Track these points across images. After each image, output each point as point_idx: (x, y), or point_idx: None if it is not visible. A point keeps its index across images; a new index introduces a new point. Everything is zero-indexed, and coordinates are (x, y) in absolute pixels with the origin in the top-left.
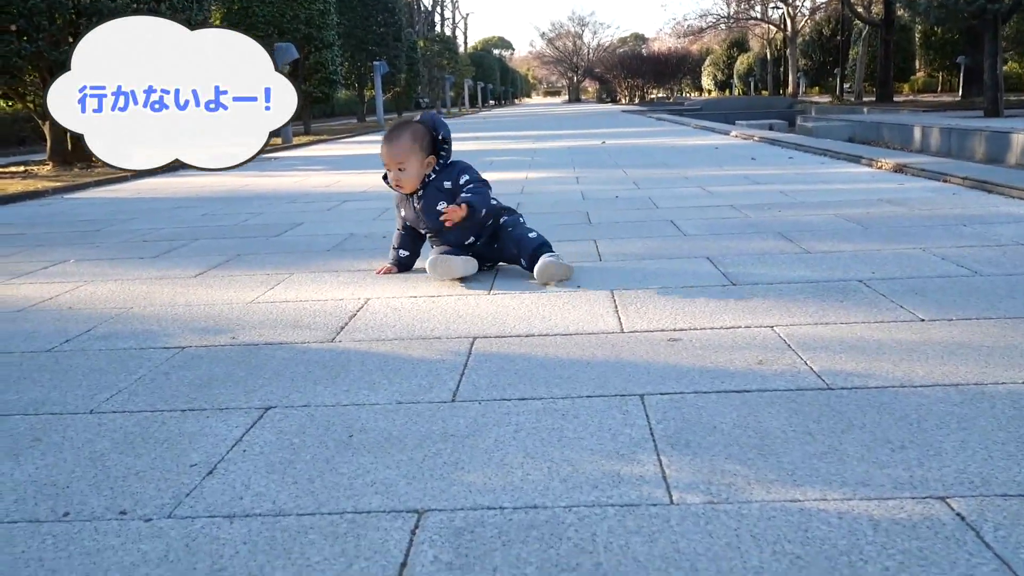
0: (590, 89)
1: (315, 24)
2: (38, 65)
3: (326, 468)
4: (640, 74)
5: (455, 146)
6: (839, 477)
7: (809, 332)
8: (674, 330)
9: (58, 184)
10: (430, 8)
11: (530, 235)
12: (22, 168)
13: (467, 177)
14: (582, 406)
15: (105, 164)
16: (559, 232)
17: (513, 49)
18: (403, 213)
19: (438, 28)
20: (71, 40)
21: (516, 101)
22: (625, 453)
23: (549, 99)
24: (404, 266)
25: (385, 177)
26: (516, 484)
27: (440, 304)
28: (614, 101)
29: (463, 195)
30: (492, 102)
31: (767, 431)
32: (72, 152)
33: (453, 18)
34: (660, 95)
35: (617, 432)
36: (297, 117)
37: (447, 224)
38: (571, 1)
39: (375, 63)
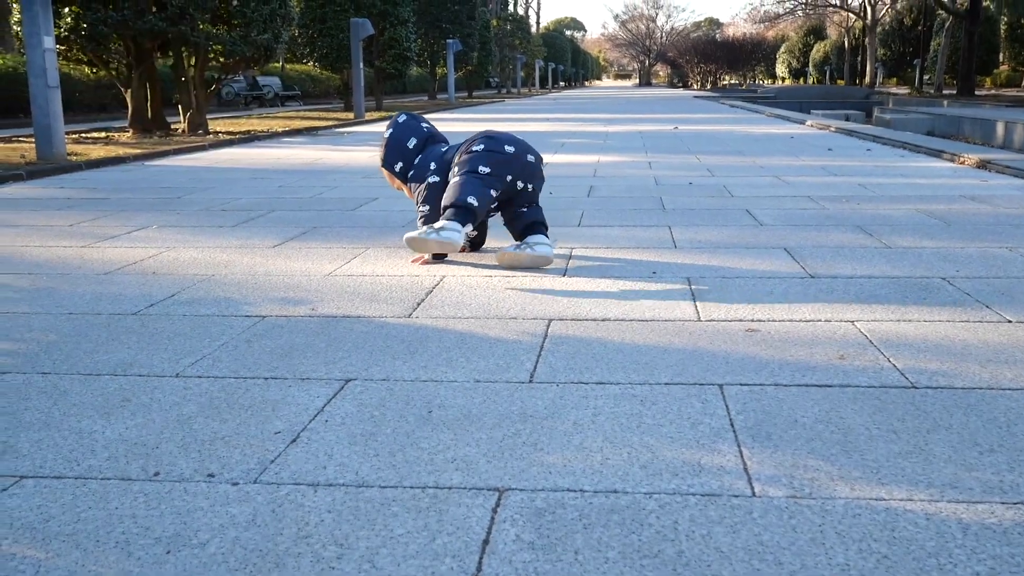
0: (661, 73)
1: (391, 1)
2: (123, 34)
3: (407, 442)
4: (713, 59)
5: (527, 127)
6: (926, 478)
7: (892, 329)
8: (752, 321)
9: (139, 151)
10: None
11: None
12: (104, 134)
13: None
14: (660, 393)
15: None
16: (633, 217)
17: (585, 30)
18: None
19: (511, 7)
20: (155, 10)
21: (586, 83)
22: (705, 443)
23: (620, 82)
24: (473, 245)
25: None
26: (596, 468)
27: (515, 284)
28: (686, 86)
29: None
30: (562, 83)
31: (850, 427)
32: (152, 120)
33: None
34: (733, 81)
35: (697, 421)
36: (369, 92)
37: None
38: None
39: (448, 41)
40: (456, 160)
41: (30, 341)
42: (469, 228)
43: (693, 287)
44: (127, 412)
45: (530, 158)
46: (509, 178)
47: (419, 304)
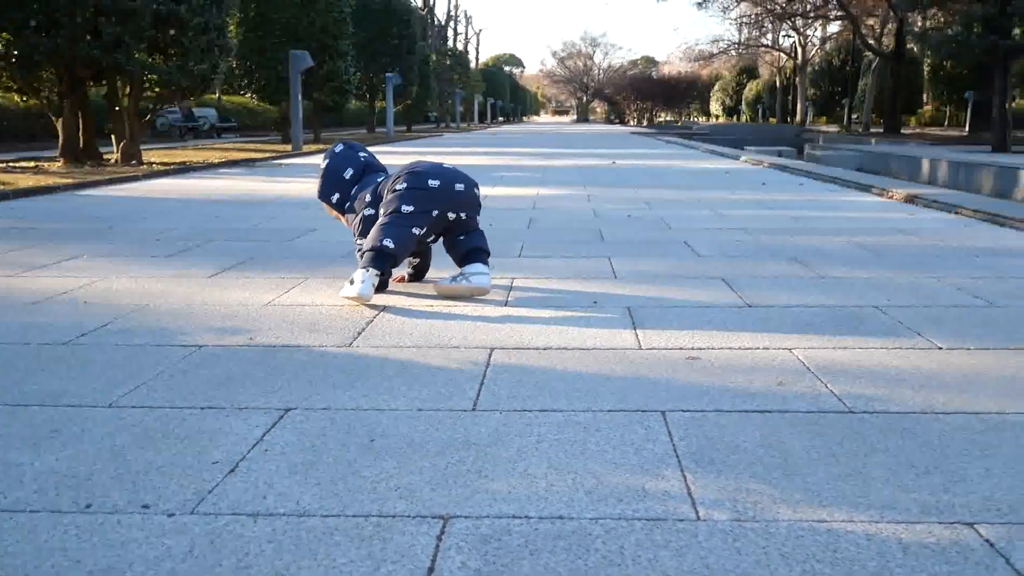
0: (599, 110)
1: (330, 33)
2: (56, 62)
3: (348, 471)
4: (650, 97)
5: (466, 160)
6: (865, 499)
7: (828, 356)
8: (692, 349)
9: (69, 181)
10: (443, 23)
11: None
12: (33, 164)
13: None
14: (603, 420)
15: (115, 163)
16: (573, 248)
17: (523, 67)
18: None
19: (451, 43)
20: (89, 38)
21: (524, 119)
22: (649, 468)
23: (557, 118)
24: (416, 273)
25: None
26: (541, 494)
27: (457, 312)
28: (623, 122)
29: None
30: (501, 119)
31: (790, 452)
32: (84, 150)
33: (466, 33)
34: (669, 118)
35: (640, 447)
36: (308, 125)
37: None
38: (583, 21)
39: (388, 75)
40: (384, 198)
41: None
42: (382, 275)
43: (633, 316)
44: (57, 443)
45: (458, 187)
46: (436, 212)
47: (360, 333)
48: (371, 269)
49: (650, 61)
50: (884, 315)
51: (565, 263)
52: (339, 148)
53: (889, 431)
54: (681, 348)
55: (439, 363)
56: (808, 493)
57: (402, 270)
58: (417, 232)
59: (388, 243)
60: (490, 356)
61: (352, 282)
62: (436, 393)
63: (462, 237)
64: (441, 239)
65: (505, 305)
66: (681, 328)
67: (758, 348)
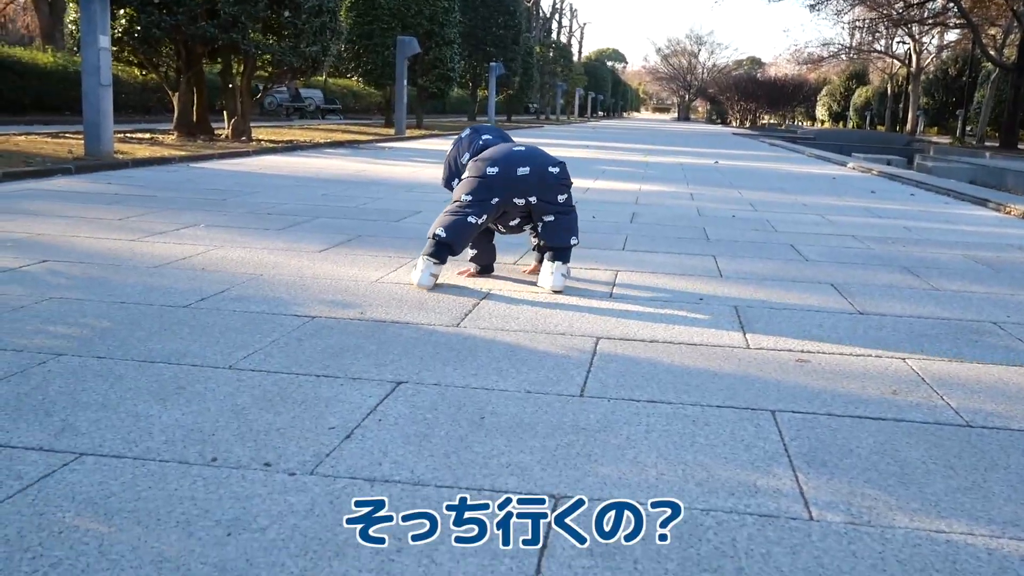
0: (700, 109)
1: (438, 21)
2: (175, 38)
3: (460, 445)
4: (754, 98)
5: (567, 152)
6: (985, 514)
7: (944, 368)
8: (802, 351)
9: (183, 153)
10: (549, 15)
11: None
12: (148, 135)
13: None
14: (712, 415)
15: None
16: (677, 245)
17: (626, 62)
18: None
19: (555, 35)
20: (207, 17)
21: (625, 114)
22: (760, 465)
23: (658, 115)
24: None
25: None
26: (651, 482)
27: (561, 302)
28: (724, 123)
29: None
30: (601, 113)
31: (906, 461)
32: (197, 124)
33: (570, 27)
34: (772, 121)
35: (750, 444)
36: (410, 110)
37: None
38: (690, 19)
39: (491, 64)
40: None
41: (84, 326)
42: (440, 263)
43: (741, 315)
44: (182, 399)
45: (521, 171)
46: (496, 200)
47: (467, 315)
48: (427, 258)
49: (756, 62)
50: (1003, 331)
51: (669, 259)
52: (464, 134)
53: (1010, 448)
54: (790, 350)
55: (546, 348)
56: (925, 503)
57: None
58: (474, 221)
59: (441, 232)
60: (596, 345)
61: (415, 267)
62: (544, 377)
63: (539, 226)
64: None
65: (610, 297)
66: (790, 330)
67: (870, 355)
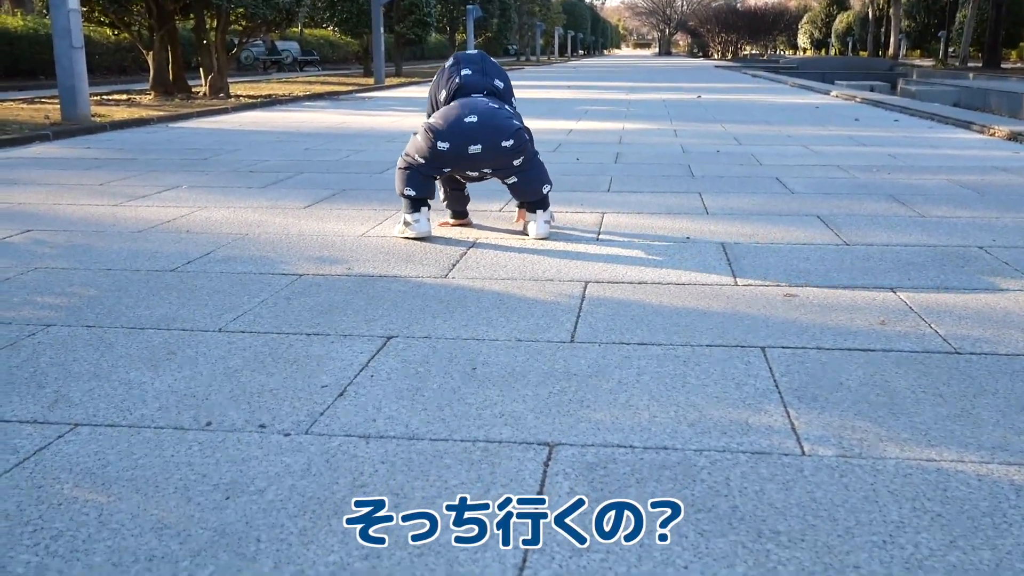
0: (681, 43)
1: None
2: None
3: (453, 398)
4: (734, 29)
5: (548, 94)
6: (975, 440)
7: (931, 297)
8: (789, 286)
9: (162, 113)
10: None
11: None
12: (125, 96)
13: None
14: (703, 355)
15: (203, 96)
16: (662, 183)
17: None
18: None
19: None
20: None
21: (605, 52)
22: (751, 403)
23: (639, 51)
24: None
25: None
26: (644, 425)
27: (548, 248)
28: (706, 56)
29: None
30: (581, 52)
31: (895, 391)
32: (173, 83)
33: None
34: (754, 52)
35: (741, 382)
36: (388, 58)
37: None
38: None
39: (468, 7)
40: None
41: (71, 295)
42: (426, 210)
43: (728, 252)
44: (174, 364)
45: (473, 149)
46: (447, 169)
47: (454, 265)
48: (410, 214)
49: None
50: (989, 256)
51: (655, 198)
52: (448, 63)
53: (998, 373)
54: (778, 285)
55: (534, 295)
56: (915, 432)
57: (445, 216)
58: (434, 175)
59: (410, 191)
60: (585, 289)
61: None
62: (534, 324)
63: (508, 187)
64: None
65: (597, 239)
66: (777, 266)
67: (858, 287)
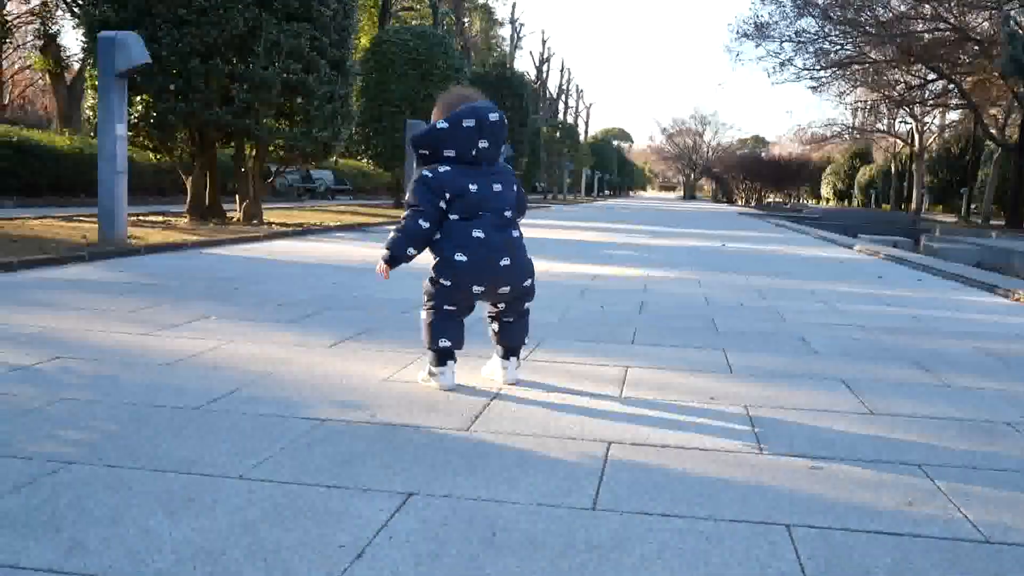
0: (706, 187)
1: None
2: (190, 124)
3: (472, 566)
4: (759, 176)
5: (576, 235)
6: None
7: (959, 475)
8: (814, 457)
9: (196, 238)
10: (555, 95)
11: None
12: (162, 218)
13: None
14: (726, 531)
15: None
16: (686, 336)
17: (632, 141)
18: None
19: (561, 115)
20: (222, 103)
21: (631, 193)
22: None
23: (664, 193)
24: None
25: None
26: None
27: (572, 401)
28: (730, 201)
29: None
30: (608, 192)
31: None
32: (209, 208)
33: (576, 107)
34: (778, 199)
35: (766, 564)
36: None
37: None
38: (694, 100)
39: None
40: None
41: (94, 430)
42: (448, 367)
43: (752, 416)
44: (191, 512)
45: (502, 290)
46: (461, 299)
47: (477, 417)
48: (429, 364)
49: (760, 141)
50: (1018, 433)
51: (679, 352)
52: (461, 116)
53: None
54: (803, 455)
55: (557, 455)
56: None
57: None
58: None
59: (443, 343)
60: (608, 450)
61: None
62: (555, 488)
63: (505, 322)
64: None
65: (620, 396)
66: (801, 433)
67: (883, 461)
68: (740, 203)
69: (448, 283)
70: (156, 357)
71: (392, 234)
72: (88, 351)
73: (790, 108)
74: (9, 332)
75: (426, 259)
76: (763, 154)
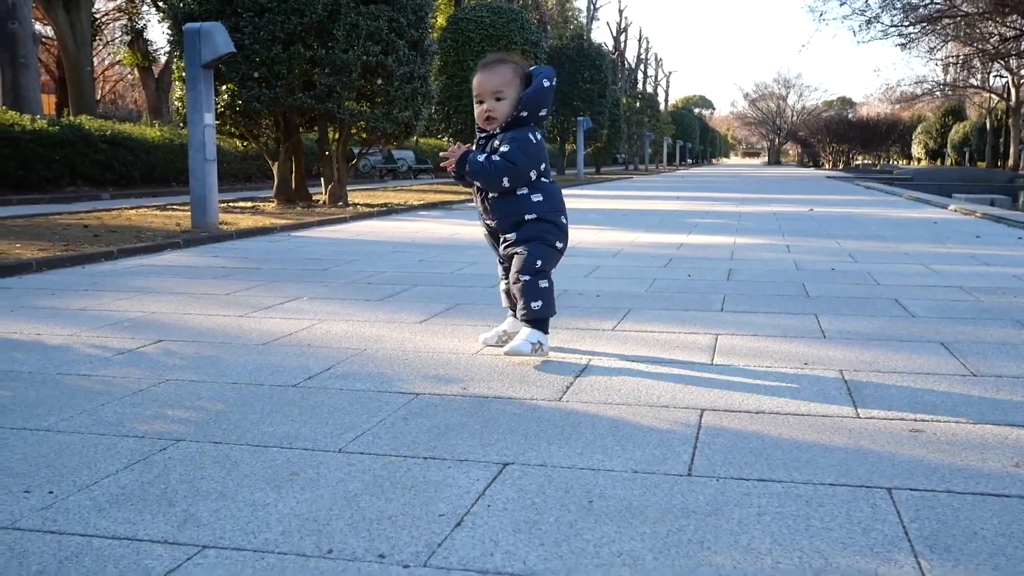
0: (791, 152)
1: None
2: (274, 110)
3: (571, 532)
4: (846, 139)
5: (658, 204)
6: None
7: None
8: (914, 420)
9: (284, 221)
10: (634, 66)
11: (524, 281)
12: (250, 204)
13: (507, 146)
14: (826, 494)
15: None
16: (776, 303)
17: (713, 108)
18: None
19: (640, 86)
20: (304, 88)
21: (714, 161)
22: (880, 551)
23: (748, 160)
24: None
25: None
26: (767, 571)
27: (663, 371)
28: (816, 165)
29: (480, 155)
30: (690, 160)
31: None
32: (295, 191)
33: (656, 76)
34: (866, 161)
35: (868, 527)
36: None
37: (443, 164)
38: (776, 63)
39: (579, 118)
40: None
41: (200, 409)
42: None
43: (847, 381)
44: (296, 486)
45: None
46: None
47: (568, 388)
48: (539, 335)
49: (847, 102)
50: None
51: (769, 319)
52: (545, 83)
53: None
54: (902, 419)
55: (650, 423)
56: None
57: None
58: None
59: (554, 309)
60: (701, 417)
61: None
62: (650, 455)
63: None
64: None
65: (711, 363)
66: (901, 397)
67: (988, 423)
68: (827, 167)
69: (561, 245)
70: (253, 338)
71: (498, 162)
72: (188, 334)
73: (877, 67)
74: (113, 318)
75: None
76: (850, 115)
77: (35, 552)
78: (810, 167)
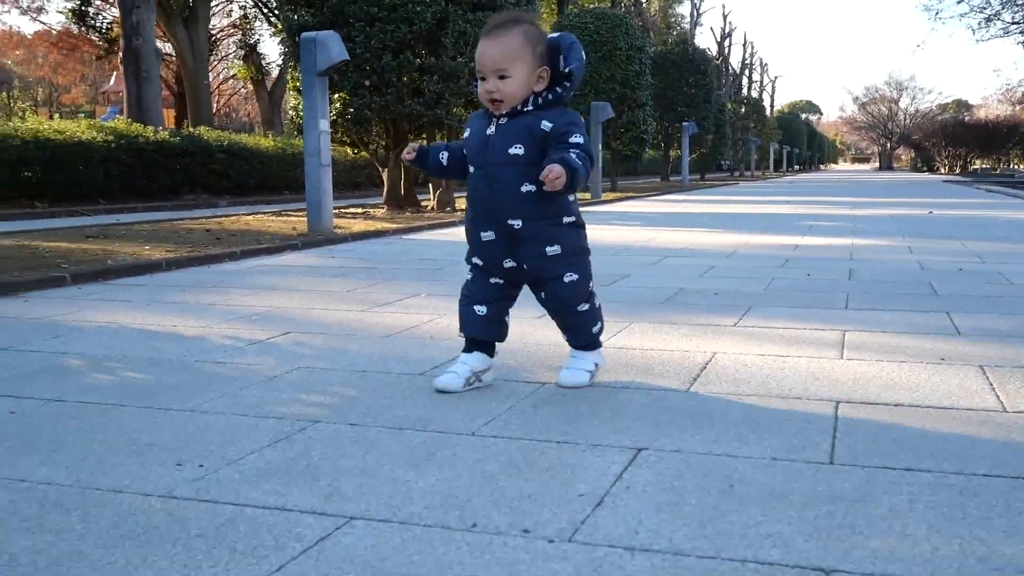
0: (903, 157)
1: (630, 85)
2: (384, 118)
3: (714, 514)
4: (963, 143)
5: (767, 208)
6: None
7: None
8: None
9: (395, 225)
10: (739, 71)
11: (582, 312)
12: (361, 209)
13: (578, 136)
14: (980, 485)
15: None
16: (903, 301)
17: (821, 113)
18: (467, 133)
19: (745, 91)
20: (413, 96)
21: (822, 167)
22: None
23: (857, 166)
24: (431, 164)
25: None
26: (927, 557)
27: (792, 364)
28: (931, 170)
29: (568, 155)
30: (797, 167)
31: None
32: (404, 197)
33: (761, 81)
34: (984, 166)
35: None
36: (605, 173)
37: (547, 186)
38: (888, 65)
39: (684, 124)
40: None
41: (332, 394)
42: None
43: (989, 375)
44: (434, 465)
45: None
46: None
47: (695, 379)
48: (593, 358)
49: (963, 105)
50: None
51: (898, 317)
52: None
53: None
54: None
55: (783, 413)
56: None
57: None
58: None
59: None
60: (837, 409)
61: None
62: (787, 443)
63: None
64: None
65: (842, 358)
66: None
67: None
68: (943, 171)
69: (590, 256)
70: (377, 330)
71: (585, 159)
72: (314, 326)
73: (997, 67)
74: (241, 312)
75: (621, 237)
76: (967, 118)
77: (193, 518)
78: (924, 172)
